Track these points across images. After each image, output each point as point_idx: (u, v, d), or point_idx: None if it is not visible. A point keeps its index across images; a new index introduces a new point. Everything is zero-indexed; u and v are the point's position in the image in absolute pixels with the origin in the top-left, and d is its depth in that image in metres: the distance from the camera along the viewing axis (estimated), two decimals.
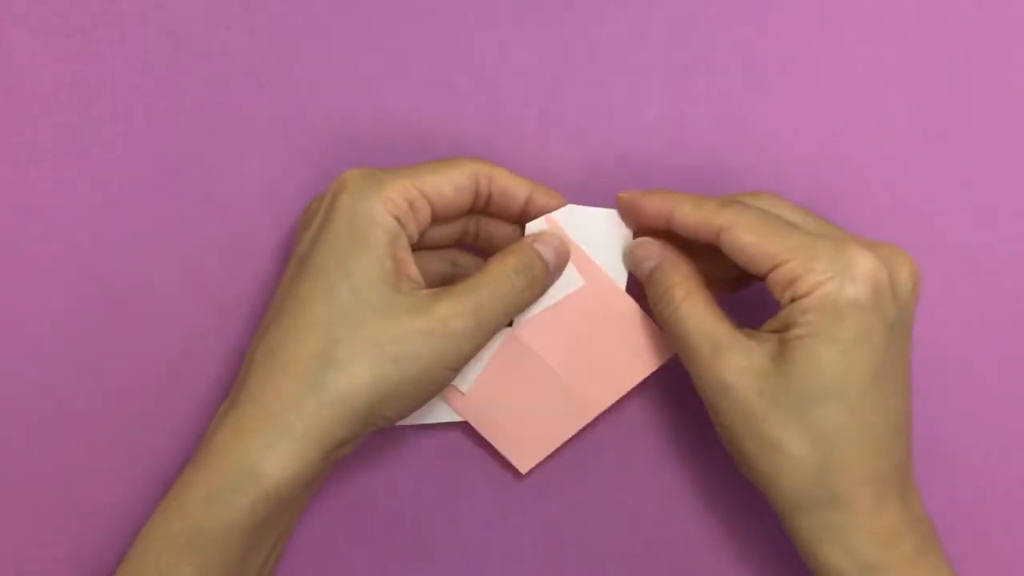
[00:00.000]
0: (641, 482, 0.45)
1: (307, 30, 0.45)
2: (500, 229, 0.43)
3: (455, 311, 0.37)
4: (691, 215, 0.39)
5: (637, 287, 0.42)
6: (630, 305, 0.42)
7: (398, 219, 0.38)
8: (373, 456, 0.45)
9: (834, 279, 0.36)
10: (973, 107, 0.46)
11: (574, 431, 0.43)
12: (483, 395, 0.42)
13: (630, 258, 0.41)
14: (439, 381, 0.38)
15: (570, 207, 0.42)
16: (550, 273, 0.41)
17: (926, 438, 0.44)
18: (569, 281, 0.42)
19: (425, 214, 0.39)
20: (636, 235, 0.42)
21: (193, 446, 0.44)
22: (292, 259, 0.40)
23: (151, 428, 0.44)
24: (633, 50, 0.46)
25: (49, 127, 0.45)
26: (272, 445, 0.36)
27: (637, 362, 0.42)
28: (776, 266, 0.37)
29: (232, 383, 0.44)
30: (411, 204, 0.39)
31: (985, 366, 0.45)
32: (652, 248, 0.41)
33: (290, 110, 0.45)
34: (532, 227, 0.41)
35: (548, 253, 0.40)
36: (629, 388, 0.42)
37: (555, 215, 0.41)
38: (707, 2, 0.46)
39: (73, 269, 0.45)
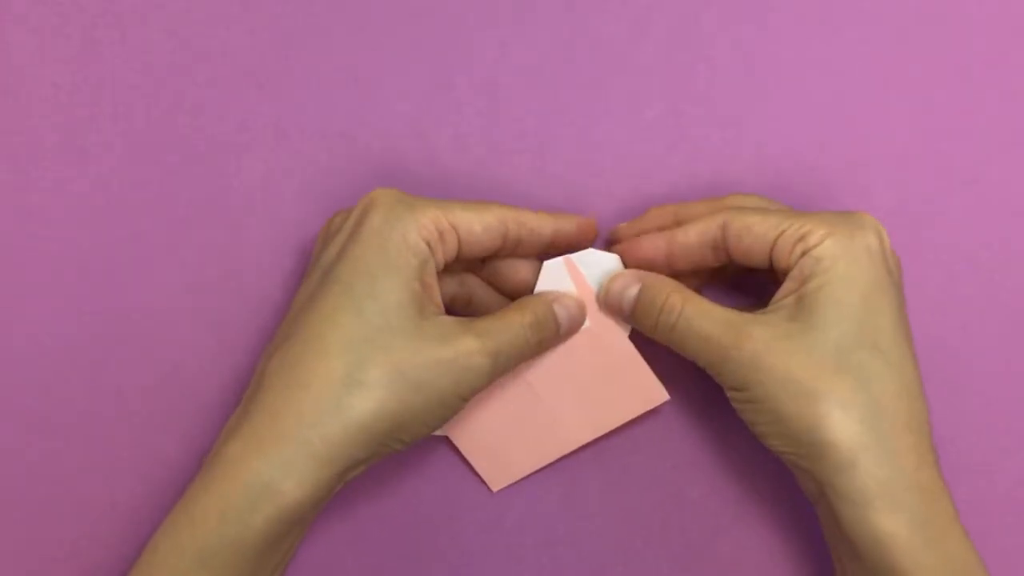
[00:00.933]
0: (641, 482, 0.45)
1: (307, 30, 0.45)
2: (507, 266, 0.43)
3: (477, 349, 0.38)
4: (691, 229, 0.40)
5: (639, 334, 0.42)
6: (629, 349, 0.42)
7: (428, 245, 0.38)
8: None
9: (845, 229, 0.38)
10: (973, 107, 0.46)
11: (551, 460, 0.44)
12: (470, 413, 0.43)
13: (609, 296, 0.41)
14: (453, 408, 0.38)
15: (589, 250, 0.42)
16: (560, 336, 0.42)
17: None
18: None
19: (452, 247, 0.39)
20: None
21: (192, 446, 0.44)
22: (313, 271, 0.39)
23: (150, 428, 0.44)
24: (633, 50, 0.46)
25: (49, 127, 0.45)
26: (291, 464, 0.36)
27: (624, 404, 0.43)
28: (782, 232, 0.38)
29: (231, 383, 0.44)
30: (441, 234, 0.38)
31: (985, 366, 0.45)
32: (629, 276, 0.41)
33: (290, 110, 0.45)
34: (549, 267, 0.42)
35: (563, 316, 0.41)
36: (611, 428, 0.43)
37: (573, 258, 0.42)
38: (707, 2, 0.46)
39: (73, 269, 0.45)
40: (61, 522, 0.44)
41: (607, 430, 0.43)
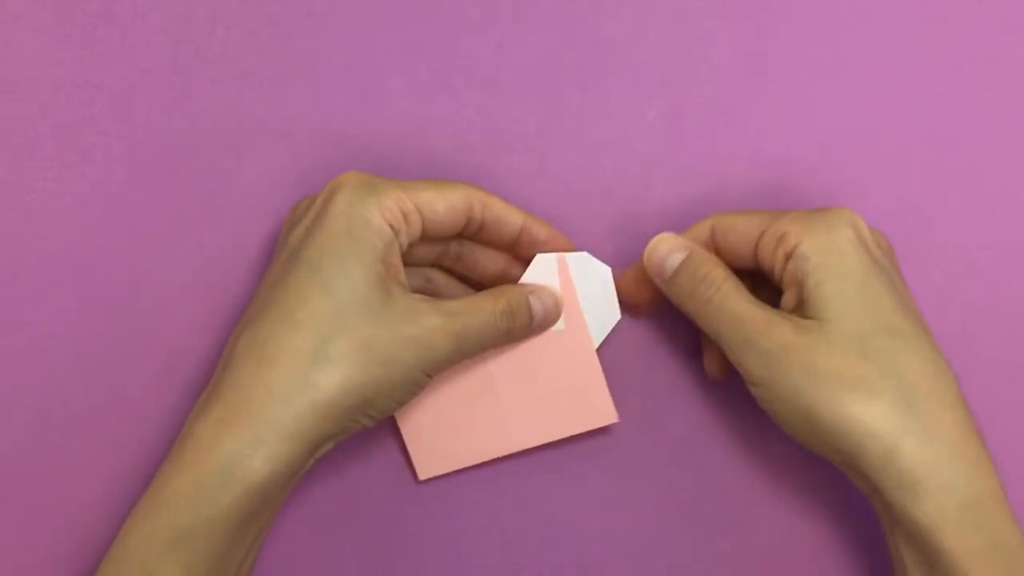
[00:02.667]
0: (641, 482, 0.45)
1: (307, 30, 0.45)
2: (486, 256, 0.43)
3: (441, 328, 0.38)
4: (685, 235, 0.41)
5: (610, 348, 0.43)
6: (593, 363, 0.43)
7: (392, 227, 0.38)
8: (368, 458, 0.45)
9: (820, 225, 0.38)
10: (973, 107, 0.46)
11: (486, 458, 0.43)
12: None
13: (652, 258, 0.41)
14: (419, 384, 0.39)
15: (584, 255, 0.42)
16: (532, 329, 0.42)
17: None
18: None
19: (417, 227, 0.40)
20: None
21: None
22: (280, 253, 0.40)
23: (149, 427, 0.44)
24: (633, 50, 0.46)
25: (49, 127, 0.45)
26: (260, 440, 0.36)
27: (574, 417, 0.43)
28: (762, 232, 0.39)
29: None
30: (405, 215, 0.39)
31: (985, 366, 0.45)
32: (677, 241, 0.41)
33: (290, 110, 0.45)
34: (540, 260, 0.42)
35: (538, 309, 0.41)
36: (555, 438, 0.43)
37: (568, 257, 0.42)
38: (707, 2, 0.46)
39: (73, 269, 0.45)
40: (52, 519, 0.44)
41: (550, 440, 0.43)
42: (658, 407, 0.45)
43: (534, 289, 0.42)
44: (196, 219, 0.45)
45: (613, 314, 0.43)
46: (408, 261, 0.41)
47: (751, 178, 0.45)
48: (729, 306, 0.39)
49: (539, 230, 0.42)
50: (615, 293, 0.43)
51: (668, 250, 0.41)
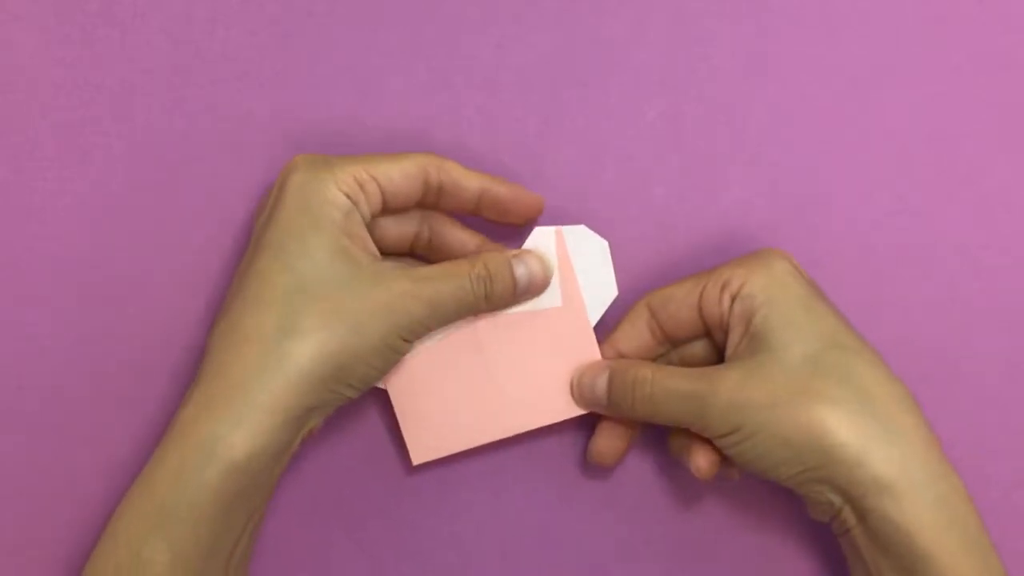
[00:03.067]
0: (641, 482, 0.45)
1: (307, 30, 0.45)
2: (456, 237, 0.43)
3: (412, 292, 0.38)
4: (622, 325, 0.42)
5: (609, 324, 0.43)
6: (591, 343, 0.42)
7: (349, 197, 0.39)
8: (368, 455, 0.45)
9: (758, 265, 0.39)
10: (973, 107, 0.46)
11: (486, 441, 0.43)
12: (414, 372, 0.42)
13: (580, 392, 0.42)
14: (398, 350, 0.39)
15: (582, 228, 0.42)
16: (516, 295, 0.41)
17: None
18: (549, 298, 0.42)
19: (376, 196, 0.40)
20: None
21: None
22: (249, 245, 0.40)
23: (150, 424, 0.44)
24: (633, 50, 0.46)
25: (49, 127, 0.45)
26: (238, 417, 0.36)
27: (569, 401, 0.42)
28: (703, 287, 0.40)
29: None
30: (361, 185, 0.39)
31: (985, 366, 0.45)
32: (595, 367, 0.42)
33: (290, 110, 0.45)
34: (537, 233, 0.42)
35: (522, 273, 0.41)
36: (558, 420, 0.43)
37: (565, 230, 0.42)
38: (707, 2, 0.46)
39: (73, 269, 0.45)
40: (47, 508, 0.44)
41: (546, 423, 0.42)
42: None
43: (518, 253, 0.41)
44: (196, 219, 0.45)
45: (611, 290, 0.43)
46: (383, 247, 0.42)
47: (751, 178, 0.45)
48: (670, 389, 0.39)
49: (500, 188, 0.42)
50: (612, 268, 0.43)
51: (592, 378, 0.41)
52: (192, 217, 0.45)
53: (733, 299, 0.39)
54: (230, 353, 0.37)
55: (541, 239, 0.42)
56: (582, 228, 0.42)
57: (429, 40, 0.46)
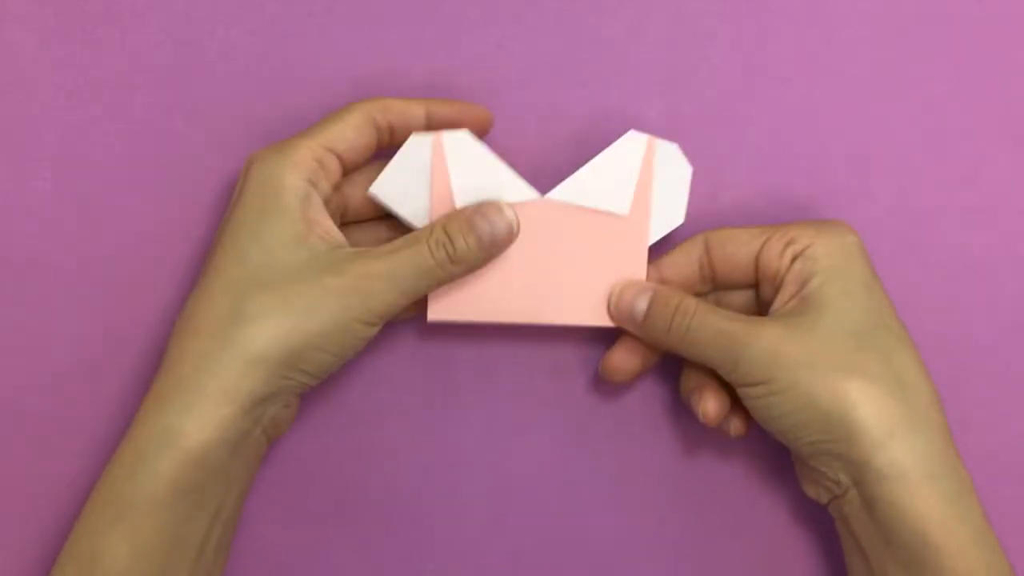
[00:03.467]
0: (641, 482, 0.45)
1: (307, 30, 0.45)
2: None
3: (369, 272, 0.37)
4: (674, 252, 0.42)
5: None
6: (642, 259, 0.41)
7: (309, 180, 0.39)
8: (368, 454, 0.45)
9: (829, 230, 0.39)
10: (973, 107, 0.46)
11: (506, 320, 0.41)
12: None
13: (618, 306, 0.41)
14: (355, 334, 0.38)
15: (675, 147, 0.41)
16: (484, 250, 0.39)
17: None
18: (618, 203, 0.41)
19: (334, 167, 0.40)
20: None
21: None
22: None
23: None
24: (633, 50, 0.46)
25: (49, 127, 0.45)
26: (189, 405, 0.36)
27: (597, 309, 0.41)
28: (767, 239, 0.40)
29: None
30: (320, 162, 0.39)
31: (985, 366, 0.45)
32: (639, 285, 0.41)
33: (290, 110, 0.45)
34: (630, 137, 0.40)
35: (483, 227, 0.39)
36: (582, 325, 0.41)
37: (657, 143, 0.41)
38: (707, 2, 0.46)
39: (73, 269, 0.45)
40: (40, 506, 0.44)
41: (569, 323, 0.41)
42: (659, 406, 0.45)
43: (477, 207, 0.39)
44: (196, 219, 0.45)
45: (679, 216, 0.42)
46: (354, 213, 0.42)
47: (751, 178, 0.45)
48: (710, 326, 0.39)
49: (445, 108, 0.41)
50: (687, 196, 0.42)
51: (633, 295, 0.41)
52: (192, 217, 0.45)
53: (795, 257, 0.39)
54: (182, 345, 0.37)
55: (632, 144, 0.41)
56: (674, 147, 0.42)
57: (429, 40, 0.46)
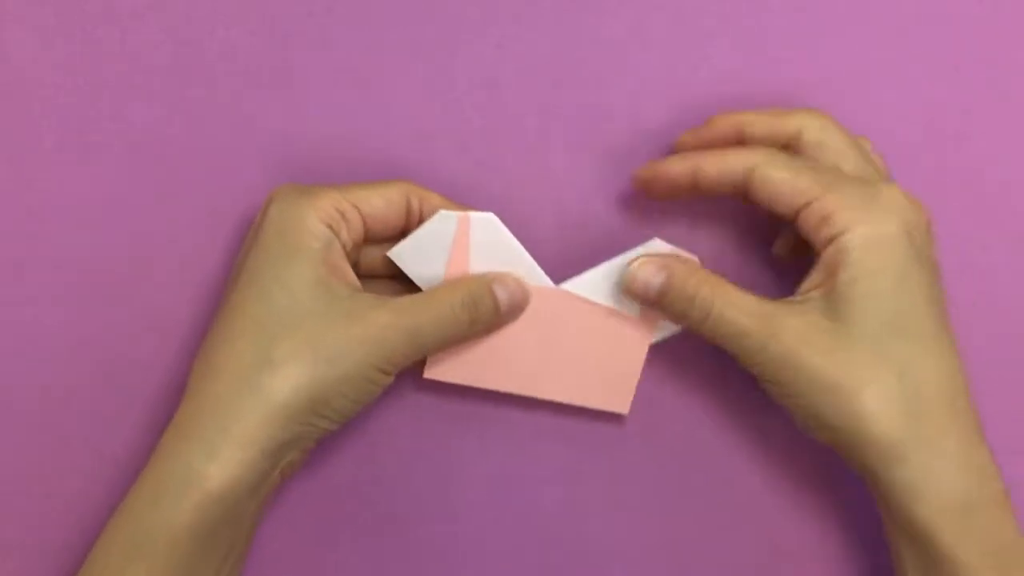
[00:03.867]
0: (641, 482, 0.45)
1: (307, 30, 0.45)
2: None
3: (392, 323, 0.38)
4: (718, 163, 0.39)
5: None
6: (640, 356, 0.42)
7: (330, 227, 0.39)
8: (369, 454, 0.45)
9: (869, 215, 0.37)
10: (973, 107, 0.46)
11: (499, 388, 0.42)
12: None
13: (632, 287, 0.40)
14: (375, 381, 0.39)
15: (694, 260, 0.41)
16: (500, 315, 0.41)
17: None
18: (630, 304, 0.41)
19: (357, 224, 0.40)
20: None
21: None
22: (230, 276, 0.40)
23: (149, 427, 0.44)
24: (633, 50, 0.46)
25: (49, 127, 0.45)
26: (213, 448, 0.36)
27: (594, 392, 0.42)
28: (808, 203, 0.38)
29: None
30: (342, 214, 0.39)
31: (985, 366, 0.45)
32: (652, 264, 0.40)
33: (290, 110, 0.45)
34: (654, 244, 0.40)
35: (503, 296, 0.40)
36: (576, 404, 0.42)
37: (679, 254, 0.40)
38: (707, 2, 0.46)
39: (72, 269, 0.45)
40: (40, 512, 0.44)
41: (563, 401, 0.42)
42: (659, 406, 0.45)
43: (496, 277, 0.41)
44: (196, 219, 0.45)
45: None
46: (368, 272, 0.42)
47: None
48: (728, 321, 0.38)
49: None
50: None
51: (649, 275, 0.40)
52: (192, 217, 0.45)
53: (829, 240, 0.37)
54: (205, 383, 0.37)
55: (654, 250, 0.41)
56: (694, 260, 0.41)
57: (429, 40, 0.46)
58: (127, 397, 0.44)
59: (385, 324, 0.38)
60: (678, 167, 0.40)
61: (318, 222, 0.38)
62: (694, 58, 0.46)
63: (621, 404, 0.43)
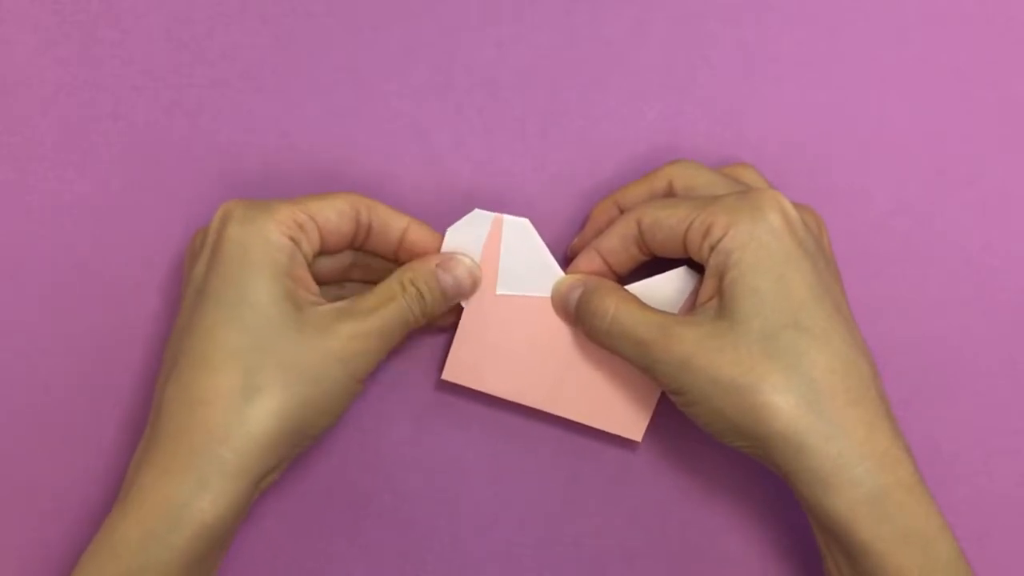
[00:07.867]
0: (641, 482, 0.45)
1: (307, 30, 0.45)
2: (381, 266, 0.43)
3: (362, 332, 0.38)
4: (612, 237, 0.41)
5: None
6: (657, 389, 0.42)
7: (292, 239, 0.38)
8: (369, 454, 0.45)
9: (746, 215, 0.37)
10: (973, 107, 0.46)
11: (516, 400, 0.43)
12: (498, 308, 0.42)
13: (558, 299, 0.42)
14: (351, 393, 0.39)
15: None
16: (449, 300, 0.41)
17: (926, 438, 0.44)
18: None
19: (315, 236, 0.39)
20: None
21: None
22: (186, 291, 0.39)
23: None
24: (633, 50, 0.46)
25: (49, 127, 0.45)
26: (205, 482, 0.36)
27: (609, 416, 0.43)
28: (690, 224, 0.38)
29: None
30: (301, 225, 0.39)
31: (985, 366, 0.45)
32: (575, 280, 0.41)
33: (290, 110, 0.45)
34: (683, 271, 0.41)
35: (448, 282, 0.41)
36: (591, 424, 0.43)
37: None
38: (707, 2, 0.46)
39: (72, 269, 0.45)
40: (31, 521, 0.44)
41: (574, 418, 0.43)
42: (659, 406, 0.45)
43: (442, 261, 0.41)
44: (196, 220, 0.45)
45: None
46: (317, 281, 0.41)
47: None
48: (626, 332, 0.39)
49: (417, 235, 0.41)
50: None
51: (568, 289, 0.41)
52: (192, 218, 0.45)
53: (712, 249, 0.38)
54: (188, 416, 0.37)
55: (681, 275, 0.41)
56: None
57: (429, 40, 0.46)
58: (125, 396, 0.44)
59: (356, 334, 0.38)
60: (589, 265, 0.42)
61: (280, 235, 0.38)
62: (694, 58, 0.46)
63: (635, 431, 0.43)
